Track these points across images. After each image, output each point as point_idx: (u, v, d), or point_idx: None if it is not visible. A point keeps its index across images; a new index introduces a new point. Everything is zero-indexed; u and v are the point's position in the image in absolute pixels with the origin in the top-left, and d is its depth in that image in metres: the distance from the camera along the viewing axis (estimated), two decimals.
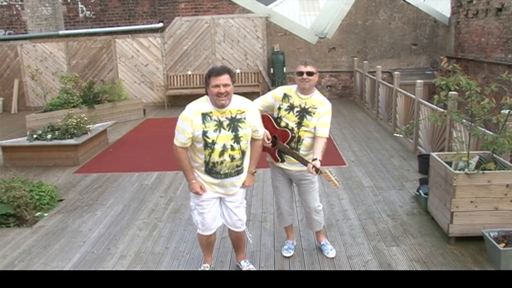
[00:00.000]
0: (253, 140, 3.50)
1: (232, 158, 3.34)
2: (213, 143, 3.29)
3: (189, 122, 3.28)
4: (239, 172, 3.45)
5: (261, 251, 4.25)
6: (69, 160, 7.20)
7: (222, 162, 3.33)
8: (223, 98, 3.23)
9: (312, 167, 3.46)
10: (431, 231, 4.52)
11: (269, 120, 3.81)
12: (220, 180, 3.42)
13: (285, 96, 3.77)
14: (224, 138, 3.30)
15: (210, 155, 3.32)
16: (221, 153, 3.31)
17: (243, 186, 3.57)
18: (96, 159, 7.59)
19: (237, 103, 3.37)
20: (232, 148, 3.32)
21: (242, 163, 3.44)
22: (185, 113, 3.31)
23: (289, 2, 16.35)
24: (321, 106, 3.71)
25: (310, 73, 3.65)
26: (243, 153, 3.39)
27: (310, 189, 3.92)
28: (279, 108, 3.78)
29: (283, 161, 3.80)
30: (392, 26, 12.64)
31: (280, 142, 3.73)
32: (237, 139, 3.33)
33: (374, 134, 8.65)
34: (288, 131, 3.70)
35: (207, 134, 3.28)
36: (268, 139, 3.73)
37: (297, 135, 3.70)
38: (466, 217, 4.11)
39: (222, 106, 3.28)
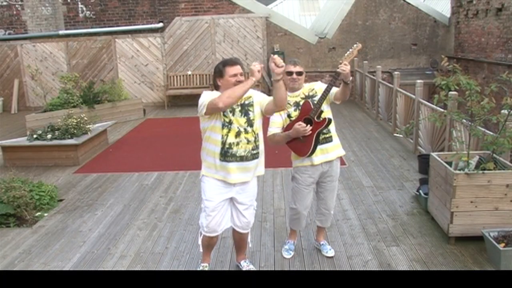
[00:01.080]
0: (269, 103, 3.48)
1: (248, 141, 3.40)
2: (230, 122, 3.37)
3: (211, 96, 3.33)
4: (254, 156, 3.45)
5: (261, 251, 4.25)
6: (69, 160, 7.20)
7: (238, 143, 3.37)
8: None
9: (341, 63, 3.49)
10: (431, 231, 4.52)
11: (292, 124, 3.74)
12: (236, 165, 3.38)
13: None
14: (238, 121, 3.39)
15: (227, 134, 3.37)
16: (237, 134, 3.38)
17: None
18: (96, 159, 7.59)
19: (254, 96, 3.53)
20: (246, 131, 3.40)
21: (257, 147, 3.46)
22: (206, 95, 3.35)
23: (289, 2, 16.36)
24: (316, 86, 3.81)
25: (299, 73, 3.74)
26: (256, 135, 3.45)
27: (333, 187, 3.96)
28: (289, 116, 3.76)
29: (314, 151, 3.69)
30: (392, 26, 12.64)
31: (310, 115, 3.65)
32: (250, 122, 3.42)
33: (374, 134, 8.65)
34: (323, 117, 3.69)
35: (225, 113, 3.36)
36: (302, 124, 3.59)
37: (327, 119, 3.70)
38: (466, 217, 4.11)
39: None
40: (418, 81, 7.45)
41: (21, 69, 12.80)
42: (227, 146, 3.38)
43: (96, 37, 12.65)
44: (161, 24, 12.55)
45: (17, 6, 12.65)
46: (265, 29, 12.54)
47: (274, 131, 3.76)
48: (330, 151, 3.80)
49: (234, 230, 3.73)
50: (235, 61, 3.47)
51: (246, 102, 3.46)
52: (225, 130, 3.37)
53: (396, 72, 8.78)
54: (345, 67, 3.50)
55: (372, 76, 10.65)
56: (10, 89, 12.93)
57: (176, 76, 12.75)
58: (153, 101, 12.94)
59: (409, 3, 12.56)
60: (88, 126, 7.68)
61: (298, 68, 3.72)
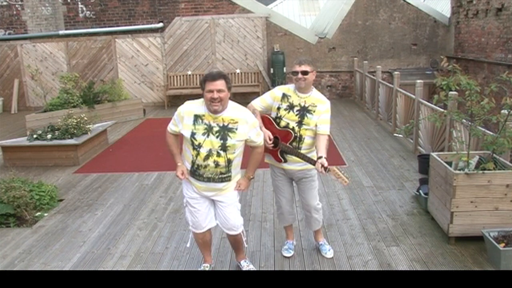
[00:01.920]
0: (252, 147, 3.52)
1: (217, 164, 3.34)
2: (199, 146, 3.31)
3: (180, 119, 3.36)
4: (223, 179, 3.42)
5: (261, 251, 4.25)
6: (69, 160, 7.20)
7: (205, 166, 3.34)
8: (216, 103, 3.23)
9: (321, 166, 3.46)
10: (431, 231, 4.52)
11: (270, 121, 3.81)
12: (203, 184, 3.43)
13: (284, 95, 3.78)
14: (211, 143, 3.30)
15: (196, 156, 3.35)
16: (206, 158, 3.32)
17: (238, 188, 3.55)
18: (96, 159, 7.59)
19: (232, 112, 3.34)
20: (218, 155, 3.32)
21: (228, 171, 3.40)
22: (180, 109, 3.39)
23: (289, 2, 16.35)
24: (320, 104, 3.72)
25: (305, 72, 3.67)
26: (229, 161, 3.37)
27: (310, 187, 3.92)
28: (279, 108, 3.77)
29: (285, 161, 3.79)
30: (392, 26, 12.64)
31: (282, 143, 3.72)
32: (224, 147, 3.31)
33: (374, 134, 8.65)
34: (290, 131, 3.70)
35: (195, 136, 3.30)
36: (270, 140, 3.71)
37: (298, 134, 3.70)
38: (466, 217, 4.11)
39: (215, 112, 3.27)
40: (418, 81, 7.45)
41: (21, 69, 12.80)
42: (195, 166, 3.38)
43: (96, 37, 12.65)
44: (161, 24, 12.54)
45: (17, 6, 12.65)
46: (265, 29, 12.54)
47: (257, 107, 3.83)
48: (295, 162, 3.78)
49: (226, 232, 3.75)
50: (217, 76, 3.26)
51: (229, 126, 3.30)
52: (195, 152, 3.34)
53: (396, 72, 8.78)
54: (321, 169, 3.45)
55: (372, 76, 10.64)
56: (10, 89, 12.93)
57: (176, 76, 12.75)
58: (153, 101, 12.94)
59: (409, 3, 12.55)
60: (88, 126, 7.67)
61: (303, 67, 3.66)
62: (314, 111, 3.68)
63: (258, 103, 3.85)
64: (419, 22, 12.60)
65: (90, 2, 12.56)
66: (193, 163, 3.38)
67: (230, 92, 3.34)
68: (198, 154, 3.32)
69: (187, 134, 3.32)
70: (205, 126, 3.29)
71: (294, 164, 3.79)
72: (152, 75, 12.83)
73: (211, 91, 3.21)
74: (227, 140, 3.30)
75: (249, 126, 3.36)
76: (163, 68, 12.78)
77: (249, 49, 12.61)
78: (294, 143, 3.72)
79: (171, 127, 3.47)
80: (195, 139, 3.30)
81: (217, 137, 3.29)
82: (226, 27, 12.50)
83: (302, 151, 3.72)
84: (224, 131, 3.30)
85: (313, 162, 3.58)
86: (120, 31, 12.62)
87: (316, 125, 3.68)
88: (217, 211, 3.62)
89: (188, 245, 4.02)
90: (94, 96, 10.25)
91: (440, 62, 6.88)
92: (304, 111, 3.69)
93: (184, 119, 3.33)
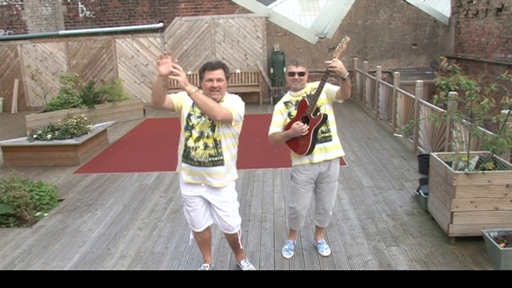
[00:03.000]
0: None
1: (206, 146, 3.36)
2: (192, 127, 3.36)
3: (183, 96, 3.37)
4: (214, 163, 3.38)
5: (261, 251, 4.25)
6: (69, 160, 7.20)
7: (196, 149, 3.35)
8: (215, 93, 3.28)
9: (329, 65, 3.46)
10: (431, 231, 4.52)
11: (293, 122, 3.76)
12: (194, 168, 3.40)
13: (286, 103, 3.81)
14: (203, 125, 3.35)
15: (188, 138, 3.38)
16: (197, 139, 3.35)
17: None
18: (96, 159, 7.59)
19: (227, 101, 3.38)
20: (207, 136, 3.35)
21: (217, 154, 3.38)
22: (182, 92, 3.38)
23: (289, 2, 16.34)
24: (318, 85, 3.76)
25: (301, 73, 3.71)
26: (216, 142, 3.36)
27: (330, 188, 3.93)
28: (289, 115, 3.78)
29: (312, 150, 3.70)
30: (392, 26, 12.64)
31: (307, 113, 3.66)
32: (212, 126, 3.35)
33: (374, 134, 8.65)
34: (320, 113, 3.68)
35: (191, 117, 3.36)
36: (298, 124, 3.61)
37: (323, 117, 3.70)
38: (466, 217, 4.11)
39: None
40: (418, 81, 7.45)
41: (21, 69, 12.80)
42: (187, 149, 3.40)
43: (96, 37, 12.65)
44: (161, 24, 12.55)
45: (17, 6, 12.65)
46: (265, 29, 12.54)
47: (275, 130, 3.78)
48: (329, 150, 3.78)
49: (224, 232, 3.75)
50: (216, 65, 3.32)
51: None
52: (187, 133, 3.38)
53: (396, 72, 8.78)
54: (334, 64, 3.46)
55: (372, 76, 10.64)
56: (10, 89, 12.93)
57: None
58: None
59: (409, 3, 12.56)
60: (88, 126, 7.68)
61: (300, 69, 3.69)
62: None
63: (274, 127, 3.80)
64: (419, 22, 12.61)
65: (90, 2, 12.56)
66: (185, 146, 3.40)
67: (228, 81, 3.37)
68: (190, 135, 3.36)
69: (185, 113, 3.38)
70: (198, 112, 3.34)
71: (319, 155, 3.72)
72: (152, 75, 12.83)
73: (211, 80, 3.27)
74: None
75: (232, 99, 3.40)
76: None
77: (249, 49, 12.61)
78: (323, 128, 3.71)
79: (173, 95, 3.42)
80: (190, 120, 3.36)
81: (206, 117, 3.32)
82: (226, 27, 12.50)
83: (331, 133, 3.73)
84: None
85: (324, 73, 3.59)
86: (120, 31, 12.62)
87: (326, 98, 3.70)
88: (213, 211, 3.61)
89: (190, 243, 4.02)
90: (94, 96, 10.25)
91: (440, 62, 6.90)
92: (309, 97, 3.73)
93: (185, 98, 3.36)
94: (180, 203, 5.46)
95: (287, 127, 3.73)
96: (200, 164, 3.38)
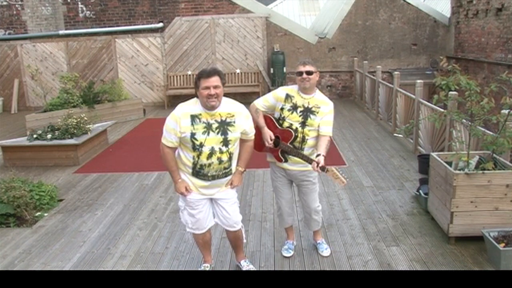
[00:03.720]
0: (243, 141, 3.50)
1: (220, 161, 3.35)
2: (201, 145, 3.30)
3: (178, 122, 3.29)
4: (226, 174, 3.46)
5: (261, 251, 4.25)
6: (69, 160, 7.20)
7: (210, 165, 3.34)
8: (213, 100, 3.24)
9: (317, 166, 3.45)
10: (431, 231, 4.52)
11: (271, 120, 3.81)
12: (208, 183, 3.43)
13: (288, 96, 3.78)
14: (212, 141, 3.30)
15: (198, 157, 3.33)
16: (209, 156, 3.32)
17: (232, 186, 3.53)
18: (96, 159, 7.59)
19: (227, 107, 3.37)
20: (221, 151, 3.33)
21: (230, 165, 3.44)
22: (174, 113, 3.33)
23: (289, 2, 16.33)
24: (324, 105, 3.73)
25: (309, 73, 3.66)
26: (230, 155, 3.40)
27: (311, 190, 3.92)
28: (282, 109, 3.77)
29: (286, 161, 3.80)
30: (392, 26, 12.64)
31: (283, 142, 3.73)
32: (226, 142, 3.33)
33: (374, 134, 8.65)
34: (291, 130, 3.70)
35: (195, 136, 3.29)
36: (271, 139, 3.72)
37: (301, 135, 3.70)
38: (466, 217, 4.11)
39: (212, 108, 3.28)
40: (418, 81, 7.45)
41: (21, 69, 12.80)
42: (198, 166, 3.37)
43: (96, 37, 12.65)
44: (161, 24, 12.54)
45: (17, 6, 12.65)
46: (265, 29, 12.54)
47: (260, 107, 3.82)
48: (296, 163, 3.79)
49: (226, 230, 3.74)
50: (211, 73, 3.27)
51: (228, 120, 3.33)
52: (196, 153, 3.33)
53: (396, 72, 8.78)
54: (317, 168, 3.46)
55: (372, 76, 10.64)
56: (10, 89, 12.93)
57: (176, 76, 12.75)
58: (153, 101, 12.94)
59: (409, 3, 12.55)
60: (88, 126, 7.68)
61: (308, 68, 3.67)
62: (317, 112, 3.69)
63: (261, 103, 3.84)
64: (419, 22, 12.60)
65: (90, 2, 12.56)
66: (194, 164, 3.36)
67: (224, 87, 3.37)
68: (200, 154, 3.31)
69: (186, 135, 3.28)
70: (204, 124, 3.29)
71: (295, 165, 3.79)
72: (152, 75, 12.84)
73: (208, 88, 3.22)
74: (228, 134, 3.33)
75: (244, 117, 3.42)
76: (163, 68, 12.78)
77: (249, 49, 12.61)
78: (296, 144, 3.72)
79: (169, 139, 3.34)
80: (195, 139, 3.29)
81: (217, 133, 3.30)
82: (226, 27, 12.50)
83: (305, 152, 3.72)
84: (224, 126, 3.32)
85: (310, 162, 3.58)
86: (120, 31, 12.62)
87: (319, 126, 3.69)
88: (216, 210, 3.61)
89: (187, 234, 3.96)
90: (94, 96, 10.25)
91: (440, 62, 6.92)
92: (307, 112, 3.70)
93: (181, 121, 3.28)
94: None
95: (267, 121, 3.79)
96: (214, 177, 3.40)
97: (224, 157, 3.36)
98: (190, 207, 3.54)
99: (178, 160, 3.48)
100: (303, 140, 3.72)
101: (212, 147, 3.30)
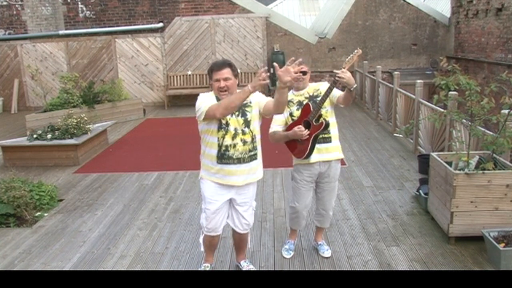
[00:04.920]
0: (267, 107, 3.40)
1: (244, 142, 3.38)
2: (227, 124, 3.34)
3: (205, 99, 3.34)
4: (252, 157, 3.44)
5: (261, 251, 4.25)
6: (69, 160, 7.20)
7: (235, 145, 3.36)
8: (224, 93, 3.30)
9: (337, 77, 3.47)
10: (431, 231, 4.52)
11: (290, 125, 3.79)
12: (234, 167, 3.38)
13: (288, 102, 3.79)
14: (235, 122, 3.35)
15: (223, 137, 3.35)
16: (234, 136, 3.35)
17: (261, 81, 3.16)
18: (96, 159, 7.59)
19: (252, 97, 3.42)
20: (243, 133, 3.37)
21: (255, 148, 3.44)
22: (200, 99, 3.37)
23: (289, 2, 16.33)
24: (321, 86, 3.82)
25: (304, 73, 3.74)
26: (253, 137, 3.43)
27: (333, 187, 3.95)
28: (291, 114, 3.79)
29: (309, 156, 3.73)
30: (392, 26, 12.64)
31: (309, 115, 3.69)
32: (247, 123, 3.38)
33: (374, 134, 8.65)
34: (308, 103, 3.71)
35: None
36: (301, 129, 3.64)
37: (325, 121, 3.73)
38: (466, 217, 4.11)
39: None
40: (418, 81, 7.45)
41: (21, 69, 12.80)
42: (223, 148, 3.37)
43: (96, 37, 12.65)
44: (161, 24, 12.55)
45: (17, 6, 12.65)
46: (265, 29, 12.54)
47: (276, 129, 3.82)
48: (328, 152, 3.80)
49: (234, 230, 3.73)
50: (222, 65, 3.34)
51: (244, 102, 3.40)
52: (222, 133, 3.35)
53: (396, 72, 8.78)
54: (343, 75, 3.47)
55: (372, 76, 10.64)
56: (10, 89, 12.93)
57: (176, 76, 12.75)
58: (153, 101, 12.94)
59: (409, 3, 12.56)
60: (88, 126, 7.68)
61: (302, 68, 3.70)
62: (321, 93, 3.73)
63: (275, 125, 3.84)
64: (419, 22, 12.61)
65: (90, 2, 12.56)
66: (219, 146, 3.36)
67: (237, 79, 3.39)
68: (226, 133, 3.34)
69: None
70: None
71: (317, 155, 3.75)
72: (152, 75, 12.84)
73: (218, 80, 3.30)
74: (247, 115, 3.38)
75: (257, 95, 3.44)
76: (163, 68, 12.78)
77: (249, 49, 12.61)
78: (325, 132, 3.75)
79: (208, 104, 3.25)
80: (222, 118, 3.31)
81: (237, 115, 3.35)
82: (226, 27, 12.50)
83: (331, 135, 3.78)
84: (242, 108, 3.36)
85: (332, 81, 3.61)
86: (120, 31, 12.62)
87: (329, 100, 3.73)
88: (233, 213, 3.61)
89: (202, 249, 3.84)
90: (94, 96, 10.25)
91: (440, 62, 6.93)
92: (314, 99, 3.75)
93: (208, 99, 3.35)
94: (180, 203, 5.47)
95: (289, 128, 3.76)
96: (240, 161, 3.38)
97: (248, 138, 3.38)
98: (210, 210, 3.50)
99: (202, 155, 3.49)
100: (327, 125, 3.73)
101: (235, 128, 3.35)
